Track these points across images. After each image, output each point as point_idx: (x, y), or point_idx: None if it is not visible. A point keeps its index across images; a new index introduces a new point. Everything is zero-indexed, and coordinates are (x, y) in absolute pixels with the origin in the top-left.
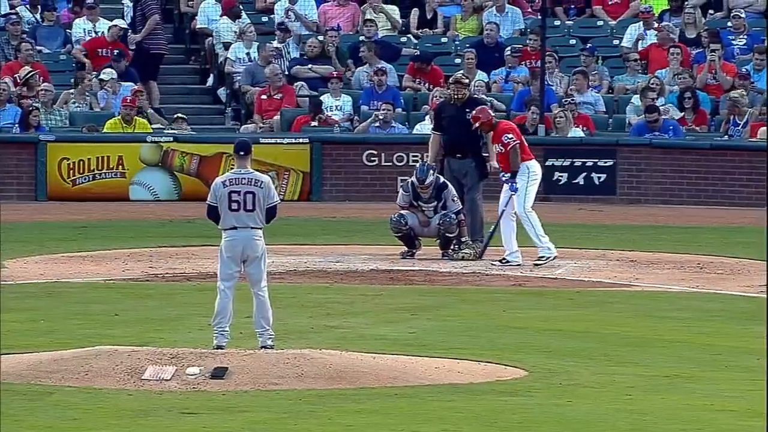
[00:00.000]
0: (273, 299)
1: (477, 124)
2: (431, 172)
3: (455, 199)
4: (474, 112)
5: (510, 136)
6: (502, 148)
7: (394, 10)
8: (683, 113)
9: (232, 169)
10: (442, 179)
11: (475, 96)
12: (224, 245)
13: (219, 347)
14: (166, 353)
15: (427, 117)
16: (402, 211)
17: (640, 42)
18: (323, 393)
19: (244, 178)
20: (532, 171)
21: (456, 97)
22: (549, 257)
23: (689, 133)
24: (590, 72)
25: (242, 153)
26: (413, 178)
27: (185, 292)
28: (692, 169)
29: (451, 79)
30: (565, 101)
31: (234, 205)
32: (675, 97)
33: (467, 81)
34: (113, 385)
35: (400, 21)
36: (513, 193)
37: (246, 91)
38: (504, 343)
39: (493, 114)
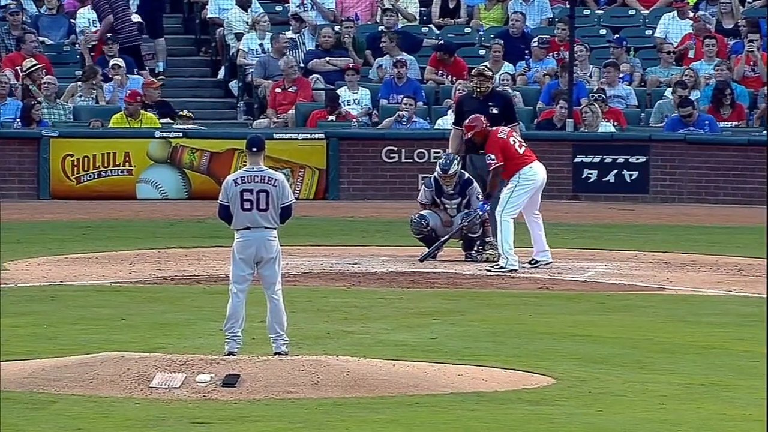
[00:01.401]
0: (287, 303)
1: (470, 134)
2: (455, 162)
3: (480, 196)
4: (467, 121)
5: (492, 157)
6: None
7: (411, 2)
8: (719, 108)
9: (244, 166)
10: (467, 175)
11: (499, 89)
12: (237, 246)
13: (231, 353)
14: (175, 360)
15: (450, 111)
16: (423, 212)
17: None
18: (340, 402)
19: (257, 176)
20: (523, 177)
21: (479, 90)
22: (506, 268)
23: (726, 128)
24: (621, 63)
25: (255, 149)
26: (436, 171)
27: (195, 295)
28: (729, 166)
29: (473, 71)
30: (593, 96)
31: (246, 205)
32: (710, 90)
33: (491, 74)
34: (120, 393)
35: (418, 12)
36: (481, 213)
37: (259, 85)
38: (531, 349)
39: (486, 124)
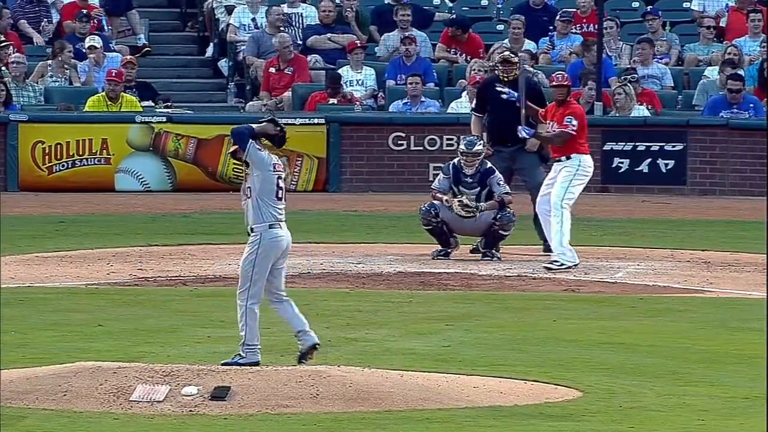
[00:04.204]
0: None
1: (560, 89)
2: (480, 142)
3: (501, 182)
4: (557, 75)
5: (573, 121)
6: (556, 126)
7: None
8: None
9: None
10: (489, 164)
11: (527, 73)
12: (266, 246)
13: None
14: (158, 370)
15: (464, 93)
16: (435, 201)
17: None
18: (342, 417)
19: (280, 164)
20: (582, 165)
21: (506, 78)
22: (565, 265)
23: None
24: (656, 40)
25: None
26: (459, 149)
27: (180, 298)
28: None
29: (497, 57)
30: (626, 77)
31: (280, 194)
32: (755, 70)
33: (517, 59)
34: (96, 407)
35: None
36: (527, 136)
37: (251, 64)
38: (554, 358)
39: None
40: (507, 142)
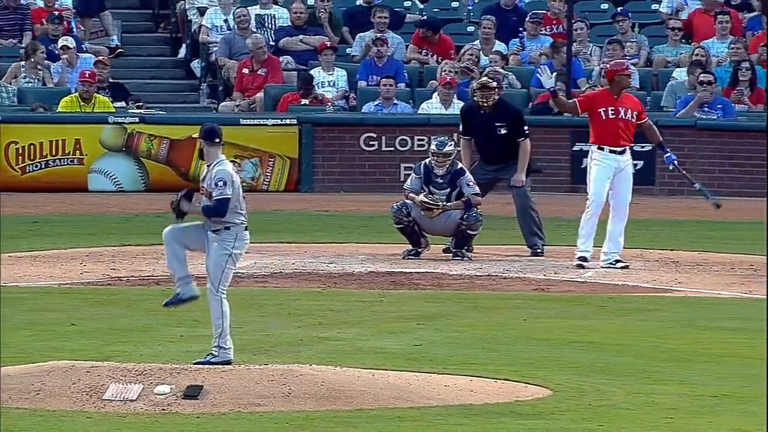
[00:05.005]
0: (256, 306)
1: (613, 77)
2: (451, 143)
3: (471, 183)
4: (613, 65)
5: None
6: (630, 114)
7: None
8: (737, 92)
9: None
10: (460, 165)
11: (505, 99)
12: (240, 245)
13: (228, 362)
14: (131, 369)
15: (435, 94)
16: (407, 201)
17: (680, 12)
18: (314, 415)
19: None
20: (596, 159)
21: (484, 104)
22: (582, 265)
23: (743, 113)
24: (626, 41)
25: (218, 140)
26: (430, 149)
27: (153, 298)
28: (745, 155)
29: (475, 84)
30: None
31: (243, 197)
32: (723, 71)
33: (495, 84)
34: (69, 406)
35: None
36: (674, 162)
37: (223, 65)
38: (524, 357)
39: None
40: (493, 163)
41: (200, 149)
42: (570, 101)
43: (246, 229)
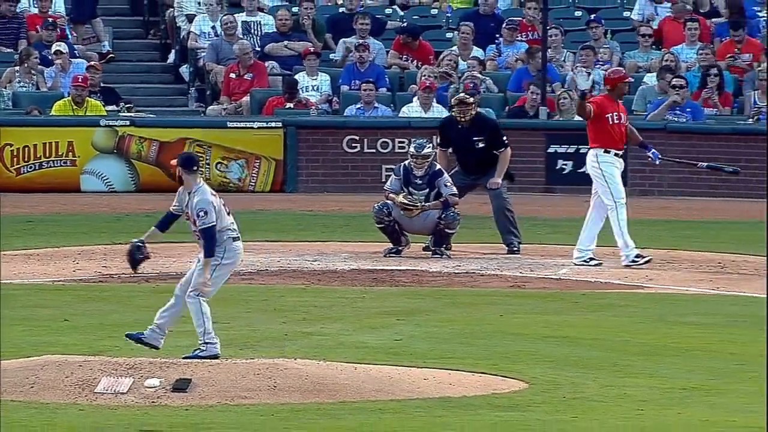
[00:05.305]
0: (242, 302)
1: (612, 83)
2: (430, 145)
3: (449, 183)
4: (612, 72)
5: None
6: (623, 119)
7: None
8: (706, 93)
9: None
10: (438, 166)
11: (482, 113)
12: (235, 258)
13: (216, 356)
14: (122, 363)
15: (415, 98)
16: (388, 201)
17: (651, 22)
18: (298, 407)
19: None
20: (604, 162)
21: (462, 119)
22: (638, 261)
23: (711, 116)
24: (599, 48)
25: (196, 168)
26: (409, 152)
27: (143, 294)
28: (713, 157)
29: (453, 99)
30: (567, 86)
31: (228, 208)
32: (692, 76)
33: (472, 100)
34: (62, 399)
35: None
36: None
37: (211, 70)
38: (501, 351)
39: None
40: (471, 173)
41: (179, 176)
42: (588, 105)
43: (235, 240)
